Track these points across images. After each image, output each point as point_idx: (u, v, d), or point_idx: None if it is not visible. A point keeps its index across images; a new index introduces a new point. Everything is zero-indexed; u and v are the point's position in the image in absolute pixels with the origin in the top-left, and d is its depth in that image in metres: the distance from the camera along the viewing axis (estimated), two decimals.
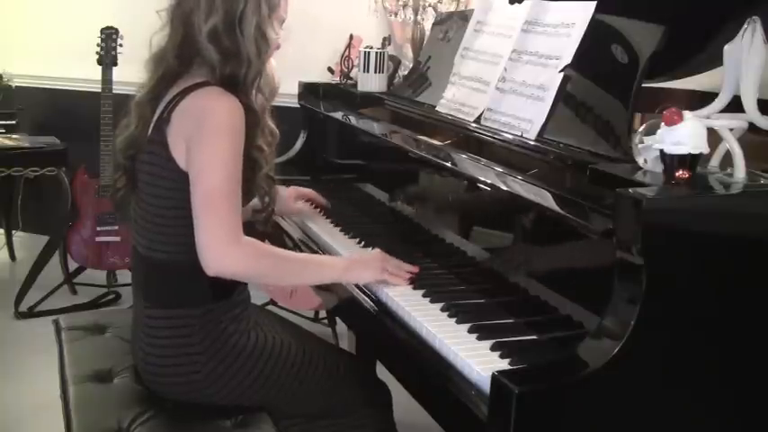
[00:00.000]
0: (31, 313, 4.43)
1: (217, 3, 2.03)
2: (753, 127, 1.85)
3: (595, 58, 2.15)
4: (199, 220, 1.99)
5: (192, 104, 2.02)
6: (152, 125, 2.09)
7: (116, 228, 4.54)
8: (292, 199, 2.76)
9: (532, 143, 2.17)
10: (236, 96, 2.03)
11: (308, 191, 2.84)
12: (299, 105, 3.42)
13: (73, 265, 4.70)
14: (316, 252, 2.57)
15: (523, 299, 1.97)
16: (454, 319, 1.94)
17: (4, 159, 4.63)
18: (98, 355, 2.36)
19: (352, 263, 2.24)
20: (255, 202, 2.23)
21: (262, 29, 2.06)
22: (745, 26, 1.83)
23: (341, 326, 4.04)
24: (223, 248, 1.99)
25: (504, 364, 1.70)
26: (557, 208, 1.89)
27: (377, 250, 2.28)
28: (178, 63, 2.10)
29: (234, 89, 2.05)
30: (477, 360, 1.73)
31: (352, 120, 3.01)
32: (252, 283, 2.24)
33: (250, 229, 2.13)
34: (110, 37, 4.49)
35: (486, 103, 2.41)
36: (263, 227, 2.33)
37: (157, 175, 2.07)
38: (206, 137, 1.99)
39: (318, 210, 2.85)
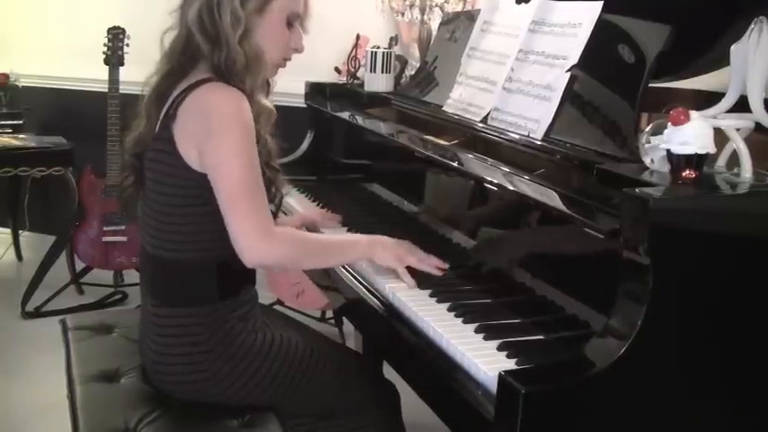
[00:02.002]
0: (38, 313, 4.44)
1: None
2: (759, 127, 1.85)
3: (602, 58, 2.15)
4: (228, 217, 2.00)
5: (196, 101, 2.03)
6: (159, 123, 2.10)
7: (123, 228, 4.55)
8: (296, 225, 2.69)
9: (539, 143, 2.18)
10: (233, 84, 2.05)
11: (314, 216, 2.77)
12: (305, 105, 3.43)
13: (80, 265, 4.71)
14: None
15: (530, 299, 1.97)
16: (461, 319, 1.94)
17: (10, 159, 4.65)
18: (105, 354, 2.36)
19: (377, 241, 2.23)
20: None
21: (236, 14, 2.06)
22: (752, 26, 1.82)
23: (347, 326, 4.04)
24: (257, 240, 2.00)
25: (510, 364, 1.70)
26: (563, 208, 1.89)
27: (406, 241, 2.26)
28: (182, 62, 2.12)
29: (225, 76, 2.06)
30: (484, 360, 1.73)
31: (359, 120, 3.01)
32: (266, 274, 2.24)
33: None
34: (116, 37, 4.51)
35: (493, 103, 2.41)
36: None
37: (164, 172, 2.08)
38: (216, 133, 1.99)
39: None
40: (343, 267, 2.35)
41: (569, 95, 2.19)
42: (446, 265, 2.20)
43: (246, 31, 2.08)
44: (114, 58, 4.48)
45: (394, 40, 3.51)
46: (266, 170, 2.14)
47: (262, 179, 2.04)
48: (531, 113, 2.25)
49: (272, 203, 2.23)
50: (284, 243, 2.08)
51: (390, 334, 2.07)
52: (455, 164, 2.32)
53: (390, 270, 2.20)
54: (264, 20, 2.12)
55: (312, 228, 2.65)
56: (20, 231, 5.37)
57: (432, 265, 2.18)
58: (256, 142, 2.08)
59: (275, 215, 2.31)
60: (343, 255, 2.28)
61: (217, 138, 1.99)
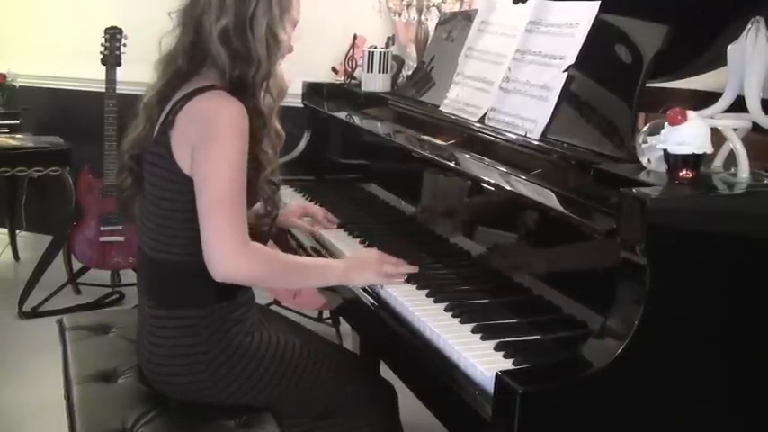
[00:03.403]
0: (35, 313, 4.44)
1: (227, 3, 2.03)
2: (756, 127, 1.86)
3: (599, 58, 2.15)
4: (205, 226, 1.99)
5: (196, 108, 2.02)
6: (158, 127, 2.09)
7: (120, 228, 4.54)
8: (296, 214, 2.71)
9: (536, 143, 2.18)
10: (243, 99, 2.04)
11: (316, 210, 2.75)
12: (302, 105, 3.43)
13: (77, 265, 4.70)
14: (318, 252, 2.57)
15: (527, 299, 1.97)
16: (458, 319, 1.94)
17: (8, 159, 4.64)
18: (102, 354, 2.36)
19: (351, 265, 2.25)
20: (258, 206, 2.23)
21: (273, 30, 2.06)
22: (749, 26, 1.83)
23: (344, 326, 4.04)
24: (229, 254, 1.99)
25: (507, 364, 1.70)
26: (561, 208, 1.90)
27: (374, 250, 2.29)
28: (187, 65, 2.10)
29: (243, 91, 2.05)
30: (481, 360, 1.73)
31: (356, 120, 3.01)
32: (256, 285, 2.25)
33: (253, 230, 2.13)
34: (114, 37, 4.49)
35: (490, 103, 2.41)
36: (266, 232, 2.33)
37: (161, 177, 2.07)
38: (211, 142, 1.98)
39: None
40: None
41: (566, 95, 2.19)
42: (416, 269, 2.23)
43: (282, 48, 2.08)
44: (111, 58, 4.47)
45: (391, 40, 3.51)
46: (266, 187, 2.14)
47: (245, 193, 2.04)
48: (528, 113, 2.25)
49: (267, 217, 2.22)
50: (256, 260, 2.06)
51: (387, 334, 2.07)
52: (452, 164, 2.32)
53: None
54: (287, 33, 2.13)
55: (311, 221, 2.67)
56: (17, 231, 5.36)
57: (404, 270, 2.22)
58: (266, 163, 2.09)
59: (269, 230, 2.31)
60: (315, 280, 2.32)
61: (212, 145, 1.98)
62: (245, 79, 2.06)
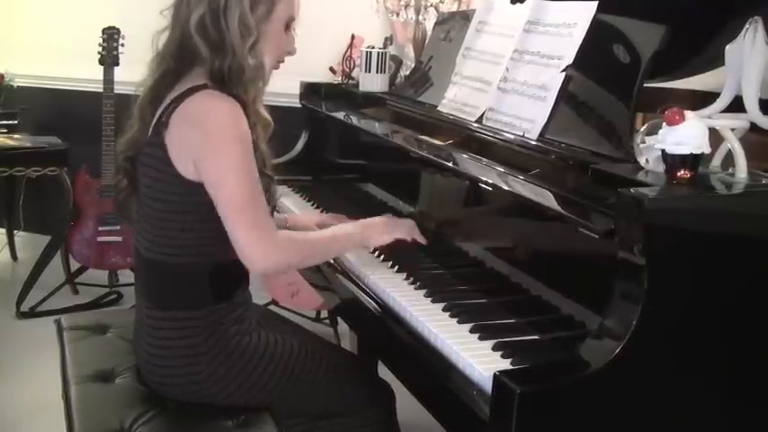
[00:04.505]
0: (33, 313, 4.43)
1: None
2: (754, 127, 1.86)
3: (597, 58, 2.15)
4: (231, 229, 2.00)
5: (190, 109, 2.01)
6: (151, 128, 2.08)
7: (118, 228, 4.54)
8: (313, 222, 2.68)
9: (534, 143, 2.18)
10: (229, 92, 2.04)
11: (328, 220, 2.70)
12: (300, 105, 3.42)
13: (75, 265, 4.69)
14: None
15: (525, 299, 1.97)
16: (456, 319, 1.94)
17: (6, 159, 4.63)
18: (100, 354, 2.35)
19: (366, 227, 2.31)
20: None
21: (245, 21, 2.05)
22: (747, 26, 1.83)
23: (342, 326, 4.04)
24: (262, 248, 2.02)
25: (505, 364, 1.70)
26: (558, 208, 1.89)
27: (387, 215, 2.35)
28: (176, 63, 2.10)
29: (225, 83, 2.05)
30: (479, 360, 1.73)
31: (354, 120, 3.01)
32: (258, 280, 2.25)
33: None
34: (111, 37, 4.49)
35: (488, 103, 2.41)
36: None
37: (156, 178, 2.07)
38: (215, 147, 1.98)
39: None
40: (338, 267, 2.36)
41: (564, 95, 2.19)
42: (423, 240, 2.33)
43: (256, 40, 2.07)
44: (109, 58, 4.47)
45: (389, 41, 3.51)
46: (260, 178, 2.14)
47: (261, 188, 2.04)
48: (526, 113, 2.25)
49: None
50: (286, 249, 2.11)
51: (385, 334, 2.06)
52: (450, 164, 2.32)
53: (387, 269, 2.23)
54: (268, 26, 2.12)
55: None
56: (15, 231, 5.37)
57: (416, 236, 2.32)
58: (254, 146, 2.08)
59: None
60: (342, 248, 2.34)
61: (216, 152, 1.98)
62: (225, 71, 2.06)
